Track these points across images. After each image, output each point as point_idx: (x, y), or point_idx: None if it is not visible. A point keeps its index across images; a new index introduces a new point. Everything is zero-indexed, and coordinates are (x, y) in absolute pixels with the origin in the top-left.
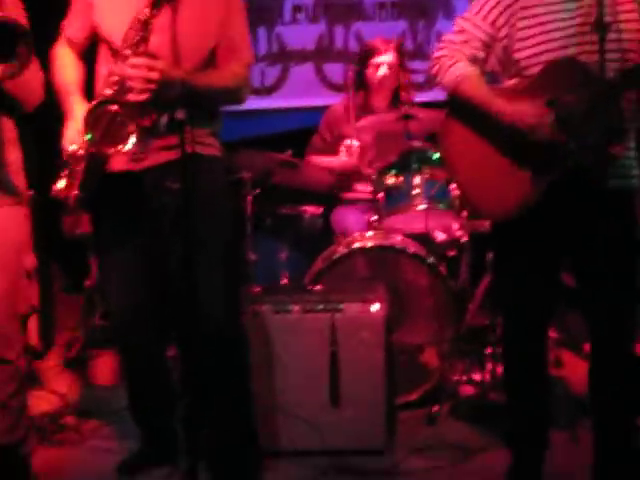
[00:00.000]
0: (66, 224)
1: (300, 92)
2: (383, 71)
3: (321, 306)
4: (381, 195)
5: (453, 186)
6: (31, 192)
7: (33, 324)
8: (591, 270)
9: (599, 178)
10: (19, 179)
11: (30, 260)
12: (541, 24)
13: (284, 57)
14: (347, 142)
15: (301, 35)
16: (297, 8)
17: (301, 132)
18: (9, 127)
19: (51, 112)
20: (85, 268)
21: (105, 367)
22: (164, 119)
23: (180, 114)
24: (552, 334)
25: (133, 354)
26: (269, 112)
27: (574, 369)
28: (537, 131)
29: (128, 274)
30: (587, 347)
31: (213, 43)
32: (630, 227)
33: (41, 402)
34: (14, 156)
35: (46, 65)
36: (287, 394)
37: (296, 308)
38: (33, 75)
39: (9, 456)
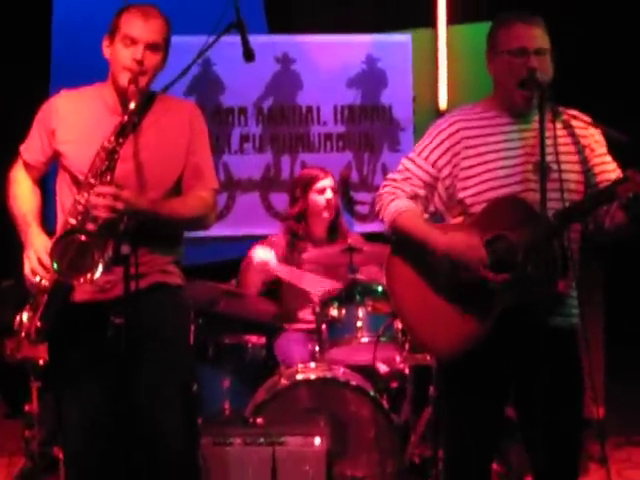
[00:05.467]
0: (7, 349)
1: (246, 221)
2: (329, 194)
3: (262, 439)
4: (324, 326)
5: (396, 319)
6: None
7: None
8: (534, 406)
9: (540, 315)
10: None
11: None
12: (485, 163)
13: (231, 186)
14: None
15: (248, 164)
16: (244, 138)
17: None
18: None
19: None
20: (25, 393)
21: None
22: (108, 253)
23: (125, 248)
24: (494, 467)
25: None
26: (214, 240)
27: None
28: (470, 259)
29: (89, 411)
30: None
31: (179, 170)
32: (572, 364)
33: None
34: None
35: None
36: None
37: (237, 441)
38: None
39: None
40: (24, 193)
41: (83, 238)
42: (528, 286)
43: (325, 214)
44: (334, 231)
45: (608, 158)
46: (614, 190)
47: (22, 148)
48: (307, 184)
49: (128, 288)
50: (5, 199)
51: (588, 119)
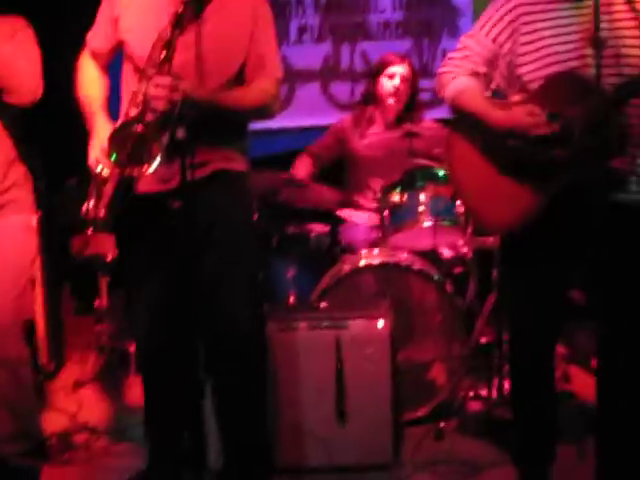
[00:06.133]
0: (74, 246)
1: (306, 112)
2: (397, 81)
3: (326, 323)
4: (386, 213)
5: (458, 203)
6: (39, 211)
7: (43, 344)
8: (601, 284)
9: (601, 192)
10: (23, 193)
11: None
12: (542, 39)
13: (290, 77)
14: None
15: (307, 55)
16: (303, 29)
17: None
18: (8, 147)
19: (58, 130)
20: (94, 288)
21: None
22: (165, 139)
23: (180, 133)
24: (560, 349)
25: (158, 378)
26: (275, 132)
27: (582, 384)
28: (534, 129)
29: (156, 300)
30: (595, 362)
31: (241, 60)
32: (637, 241)
33: (50, 421)
34: (17, 174)
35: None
36: (293, 411)
37: (302, 325)
38: (27, 62)
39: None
40: (91, 81)
41: (140, 129)
42: (585, 162)
43: (390, 100)
44: (404, 117)
45: None
46: None
47: (88, 36)
48: (380, 67)
49: (184, 173)
50: (73, 86)
51: None
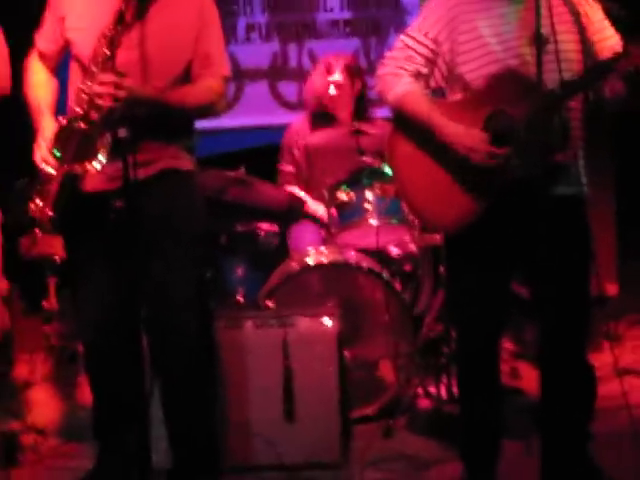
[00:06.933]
0: (23, 246)
1: (254, 110)
2: (332, 91)
3: (274, 321)
4: (333, 211)
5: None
6: None
7: None
8: (543, 278)
9: (543, 186)
10: None
11: (3, 284)
12: (481, 37)
13: (238, 76)
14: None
15: (255, 54)
16: (250, 27)
17: (255, 150)
18: None
19: (7, 130)
20: (43, 289)
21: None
22: (107, 138)
23: (122, 132)
24: (509, 346)
25: (105, 377)
26: (223, 131)
27: (531, 380)
28: (472, 155)
29: (104, 298)
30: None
31: (187, 58)
32: (581, 234)
33: None
34: None
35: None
36: (241, 410)
37: (249, 324)
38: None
39: None
40: (39, 83)
41: (84, 126)
42: (529, 159)
43: (332, 96)
44: (354, 115)
45: (605, 23)
46: (614, 64)
47: (36, 36)
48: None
49: (127, 172)
50: (22, 87)
51: None
